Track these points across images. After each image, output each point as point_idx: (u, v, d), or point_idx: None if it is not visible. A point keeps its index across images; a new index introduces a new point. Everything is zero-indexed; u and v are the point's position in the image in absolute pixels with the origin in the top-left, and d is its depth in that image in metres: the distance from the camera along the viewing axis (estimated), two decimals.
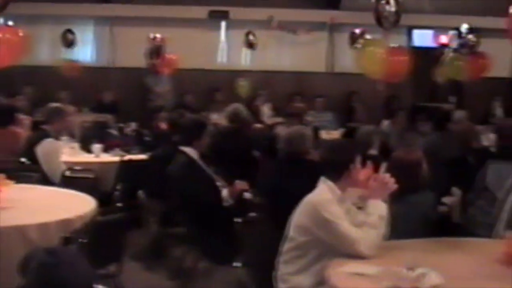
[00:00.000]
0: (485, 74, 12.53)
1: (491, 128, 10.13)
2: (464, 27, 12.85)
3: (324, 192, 4.08)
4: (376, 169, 4.20)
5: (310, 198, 4.08)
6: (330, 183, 4.11)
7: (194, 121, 6.63)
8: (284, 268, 4.14)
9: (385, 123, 10.03)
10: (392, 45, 10.21)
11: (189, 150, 5.96)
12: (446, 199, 5.44)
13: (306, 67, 14.47)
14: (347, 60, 12.92)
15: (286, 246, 4.14)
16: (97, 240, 4.36)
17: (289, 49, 14.61)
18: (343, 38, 14.16)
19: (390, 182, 4.10)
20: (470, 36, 12.71)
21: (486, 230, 4.74)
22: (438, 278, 3.33)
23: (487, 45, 12.44)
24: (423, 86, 14.65)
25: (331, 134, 10.28)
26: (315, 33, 14.56)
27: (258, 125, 10.37)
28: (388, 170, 4.27)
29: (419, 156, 4.66)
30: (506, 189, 4.74)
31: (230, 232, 5.16)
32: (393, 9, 10.02)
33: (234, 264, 5.15)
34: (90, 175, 6.55)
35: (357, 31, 13.57)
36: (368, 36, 12.34)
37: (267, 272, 4.24)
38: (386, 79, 9.91)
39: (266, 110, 13.58)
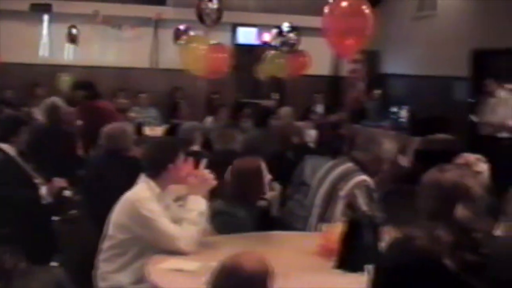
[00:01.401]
0: (306, 72, 12.94)
1: (312, 125, 10.51)
2: (285, 25, 13.19)
3: (142, 190, 4.06)
4: (197, 165, 4.23)
5: (129, 196, 4.06)
6: (149, 180, 4.10)
7: (11, 117, 6.45)
8: (104, 267, 4.09)
9: (209, 120, 10.12)
10: (213, 42, 10.34)
11: (5, 147, 5.76)
12: (266, 194, 5.57)
13: (131, 63, 14.34)
14: (172, 56, 12.90)
15: (106, 244, 4.10)
16: None
17: (114, 45, 14.40)
18: (168, 34, 14.15)
19: (209, 178, 4.15)
20: (291, 35, 13.07)
21: (303, 223, 4.89)
22: None
23: (308, 44, 12.86)
24: (246, 83, 14.91)
25: (155, 130, 10.24)
26: (140, 29, 14.45)
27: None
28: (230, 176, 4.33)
29: (259, 164, 4.73)
30: (317, 181, 4.93)
31: (48, 230, 5.02)
32: (215, 6, 10.16)
33: (52, 263, 5.03)
34: None
35: (182, 27, 13.60)
36: (192, 33, 12.40)
37: (87, 271, 4.17)
38: (207, 75, 10.03)
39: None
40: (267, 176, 4.65)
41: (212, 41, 10.29)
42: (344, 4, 7.05)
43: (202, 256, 3.82)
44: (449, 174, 2.73)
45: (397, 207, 4.94)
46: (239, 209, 4.40)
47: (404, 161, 5.12)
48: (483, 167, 4.33)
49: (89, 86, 8.28)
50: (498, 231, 2.94)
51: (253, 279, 2.67)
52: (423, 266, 2.60)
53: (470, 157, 4.34)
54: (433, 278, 2.59)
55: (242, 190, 4.50)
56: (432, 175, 2.77)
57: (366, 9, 6.99)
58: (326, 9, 7.10)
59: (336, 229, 3.94)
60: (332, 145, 6.29)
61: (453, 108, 12.51)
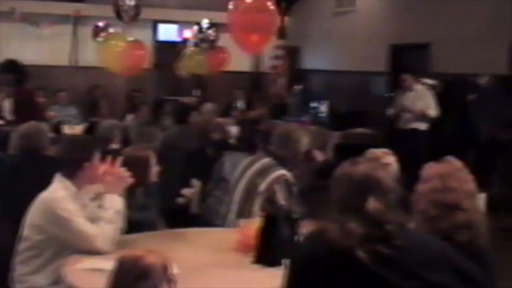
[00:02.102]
0: (226, 68, 12.96)
1: (233, 121, 10.53)
2: (204, 22, 13.17)
3: (58, 189, 3.99)
4: (116, 164, 4.18)
5: (44, 196, 3.98)
6: (65, 179, 4.03)
7: None
8: (20, 269, 4.01)
9: (129, 117, 10.04)
10: (131, 39, 10.26)
11: None
12: (185, 191, 5.56)
13: (49, 61, 14.08)
14: (91, 54, 12.73)
15: (21, 245, 4.01)
16: None
17: (32, 42, 14.13)
18: (87, 31, 13.95)
19: (125, 176, 4.11)
20: (210, 31, 13.06)
21: (222, 219, 4.89)
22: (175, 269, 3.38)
23: (228, 40, 12.84)
24: (167, 80, 14.84)
25: (74, 129, 10.08)
26: (59, 26, 14.21)
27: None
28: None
29: (148, 154, 4.69)
30: (235, 178, 4.94)
31: None
32: (132, 3, 10.08)
33: None
34: None
35: (100, 24, 13.43)
36: (111, 30, 12.27)
37: (3, 273, 4.08)
38: (126, 73, 9.95)
39: (7, 105, 13.02)
40: (154, 168, 4.61)
41: (130, 38, 10.20)
42: (249, 0, 7.04)
43: (120, 255, 3.77)
44: (360, 167, 2.76)
45: (316, 201, 4.98)
46: None
47: (320, 155, 5.17)
48: (391, 159, 4.41)
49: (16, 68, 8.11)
50: (410, 223, 2.99)
51: (150, 271, 2.66)
52: (335, 259, 2.62)
53: (378, 151, 4.42)
54: (345, 270, 2.62)
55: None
56: (344, 168, 2.80)
57: (271, 6, 7.01)
58: (230, 5, 7.10)
59: (254, 225, 3.95)
60: (252, 141, 6.31)
61: (372, 102, 12.72)
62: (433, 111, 10.30)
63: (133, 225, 4.19)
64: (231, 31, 7.15)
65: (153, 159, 4.62)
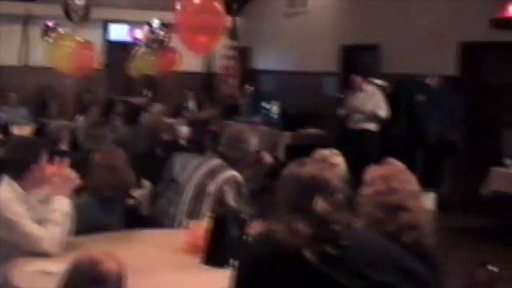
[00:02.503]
0: (177, 69, 12.91)
1: (184, 121, 10.51)
2: (155, 22, 13.12)
3: (4, 191, 3.94)
4: (64, 165, 4.14)
5: None
6: (11, 181, 3.98)
7: None
8: None
9: (80, 118, 9.95)
10: (80, 39, 10.17)
11: None
12: (135, 192, 5.52)
13: None
14: (42, 54, 12.58)
15: None
16: None
17: None
18: (37, 31, 13.78)
19: (73, 178, 4.08)
20: (161, 32, 13.01)
21: (172, 220, 4.88)
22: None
23: (178, 40, 12.81)
24: (118, 80, 14.74)
25: (24, 130, 9.96)
26: (9, 26, 14.00)
27: None
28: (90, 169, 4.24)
29: (120, 156, 4.67)
30: (185, 179, 4.93)
31: None
32: (82, 3, 9.99)
33: None
34: None
35: (50, 24, 13.28)
36: (61, 30, 12.14)
37: None
38: (76, 73, 9.86)
39: None
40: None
41: (80, 38, 10.11)
42: (196, 1, 7.03)
43: (67, 257, 3.73)
44: (307, 167, 2.78)
45: (266, 201, 4.99)
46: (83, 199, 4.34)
47: (268, 157, 5.18)
48: (339, 160, 4.44)
49: None
50: (357, 223, 3.02)
51: (107, 277, 2.65)
52: (283, 259, 2.63)
53: (325, 152, 4.45)
54: (293, 270, 2.63)
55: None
56: (291, 169, 2.81)
57: (218, 6, 7.01)
58: (178, 6, 7.08)
59: (203, 225, 3.94)
60: (202, 142, 6.30)
61: (323, 103, 12.81)
62: (383, 111, 10.40)
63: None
64: (179, 31, 7.12)
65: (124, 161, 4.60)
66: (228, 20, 12.04)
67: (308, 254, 2.59)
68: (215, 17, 6.99)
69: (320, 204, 2.68)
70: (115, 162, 4.61)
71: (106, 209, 4.44)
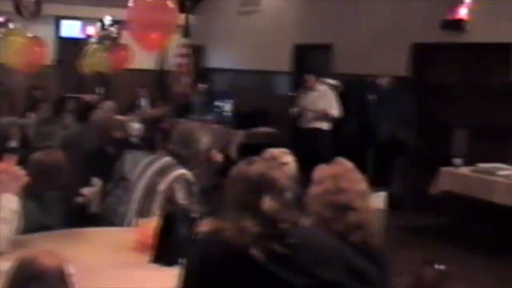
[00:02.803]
0: (130, 66, 12.84)
1: (136, 119, 10.45)
2: (107, 19, 13.02)
3: None
4: (12, 162, 4.09)
5: None
6: None
7: None
8: None
9: (30, 115, 9.82)
10: (30, 35, 10.05)
11: None
12: (85, 190, 5.48)
13: None
14: None
15: None
16: None
17: None
18: None
19: (21, 175, 4.03)
20: (113, 28, 12.93)
21: (122, 219, 4.86)
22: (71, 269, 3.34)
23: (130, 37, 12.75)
24: (70, 77, 14.61)
25: None
26: None
27: None
28: (28, 170, 4.18)
29: (59, 157, 4.63)
30: (135, 177, 4.91)
31: None
32: None
33: None
34: None
35: (1, 19, 13.07)
36: (11, 26, 11.97)
37: None
38: (26, 69, 9.74)
39: None
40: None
41: (30, 34, 9.99)
42: None
43: (16, 255, 3.69)
44: (255, 166, 2.78)
45: (217, 200, 5.00)
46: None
47: (219, 156, 5.18)
48: (288, 159, 4.46)
49: None
50: (305, 222, 3.04)
51: (43, 273, 2.63)
52: (230, 257, 2.63)
53: (275, 151, 4.46)
54: (241, 268, 2.63)
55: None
56: (239, 167, 2.82)
57: (171, 4, 7.00)
58: (130, 3, 7.05)
59: (152, 224, 3.93)
60: (153, 140, 6.28)
61: (276, 102, 12.85)
62: (335, 110, 10.47)
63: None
64: (131, 28, 7.09)
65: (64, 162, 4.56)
66: (181, 18, 12.03)
67: (256, 252, 2.60)
68: (167, 14, 6.96)
69: (268, 203, 2.69)
70: (51, 162, 4.56)
71: (43, 209, 4.40)
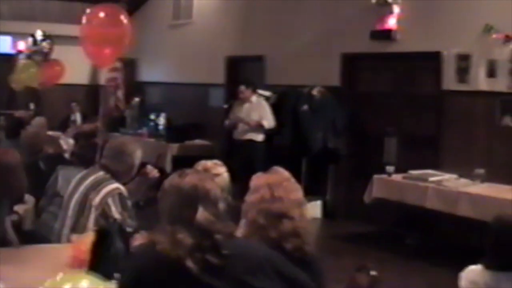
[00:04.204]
0: (62, 81, 12.71)
1: (69, 134, 10.31)
2: (38, 33, 12.87)
3: None
4: None
5: None
6: None
7: None
8: None
9: None
10: None
11: None
12: (17, 207, 5.39)
13: None
14: None
15: None
16: None
17: None
18: None
19: None
20: (44, 43, 12.78)
21: (57, 235, 4.80)
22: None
23: (64, 52, 12.64)
24: (1, 93, 14.37)
25: None
26: None
27: None
28: None
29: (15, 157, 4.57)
30: (69, 193, 4.86)
31: None
32: None
33: None
34: None
35: None
36: None
37: None
38: None
39: None
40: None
41: None
42: (101, 14, 6.99)
43: None
44: (188, 178, 2.80)
45: (152, 213, 4.99)
46: None
47: (154, 171, 5.15)
48: (221, 170, 4.48)
49: None
50: (239, 232, 3.06)
51: None
52: (165, 270, 2.64)
53: (208, 162, 4.47)
54: (176, 281, 2.64)
55: None
56: (172, 180, 2.83)
57: (124, 19, 6.98)
58: (83, 19, 7.01)
59: (87, 239, 3.89)
60: (87, 155, 6.19)
61: (210, 114, 12.87)
62: (268, 122, 10.53)
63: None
64: (83, 44, 7.05)
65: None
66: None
67: (190, 264, 2.61)
68: (121, 29, 6.95)
69: (201, 214, 2.70)
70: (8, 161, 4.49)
71: None
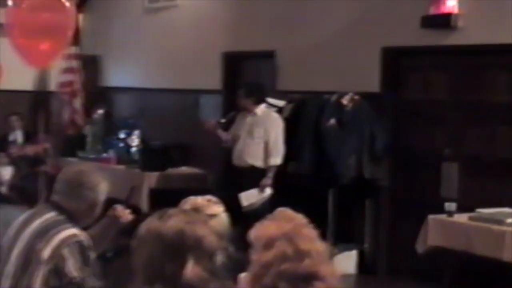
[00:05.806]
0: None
1: (7, 160, 10.40)
2: None
3: None
4: None
5: None
6: None
7: None
8: None
9: None
10: None
11: None
12: None
13: None
14: None
15: None
16: None
17: None
18: None
19: None
20: None
21: None
22: None
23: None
24: None
25: None
26: None
27: None
28: None
29: None
30: (8, 242, 4.88)
31: None
32: None
33: None
34: None
35: None
36: None
37: None
38: None
39: None
40: None
41: None
42: None
43: None
44: (172, 221, 2.81)
45: (121, 268, 5.02)
46: None
47: (127, 214, 5.16)
48: (218, 209, 4.47)
49: None
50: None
51: None
52: None
53: (198, 199, 4.47)
54: None
55: None
56: (150, 224, 2.84)
57: (66, 2, 6.91)
58: (10, 1, 6.94)
59: None
60: (31, 188, 6.23)
61: (201, 131, 12.74)
62: (276, 151, 10.40)
63: None
64: (12, 36, 6.94)
65: None
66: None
67: None
68: (62, 16, 6.86)
69: (190, 270, 2.72)
70: None
71: None
